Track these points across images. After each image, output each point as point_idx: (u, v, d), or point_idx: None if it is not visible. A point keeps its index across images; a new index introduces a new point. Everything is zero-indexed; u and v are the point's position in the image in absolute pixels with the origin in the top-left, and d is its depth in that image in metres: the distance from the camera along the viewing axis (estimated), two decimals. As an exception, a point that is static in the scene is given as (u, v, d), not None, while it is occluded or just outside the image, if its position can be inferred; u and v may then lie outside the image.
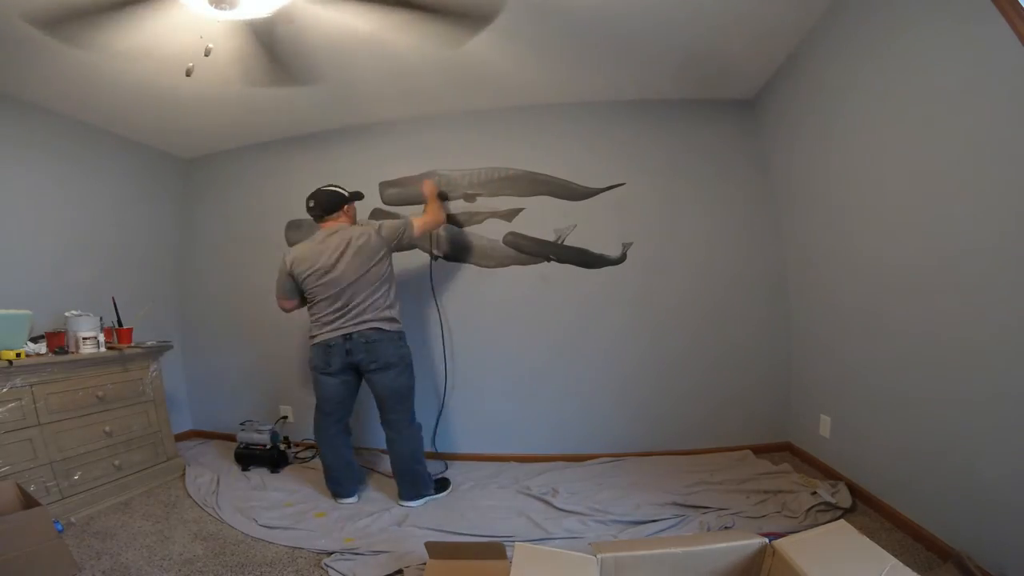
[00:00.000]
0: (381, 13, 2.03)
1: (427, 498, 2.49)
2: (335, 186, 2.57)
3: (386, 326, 2.43)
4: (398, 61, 2.50)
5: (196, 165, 3.78)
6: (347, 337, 2.38)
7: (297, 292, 2.54)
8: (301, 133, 3.43)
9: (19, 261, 2.72)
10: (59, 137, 2.92)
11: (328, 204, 2.51)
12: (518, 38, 2.35)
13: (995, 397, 1.57)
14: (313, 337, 2.47)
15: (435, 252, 3.20)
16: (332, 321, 2.41)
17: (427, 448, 3.17)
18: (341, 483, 2.53)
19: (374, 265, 2.42)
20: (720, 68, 2.70)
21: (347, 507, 2.46)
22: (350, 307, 2.39)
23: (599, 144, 3.09)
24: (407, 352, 2.52)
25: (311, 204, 2.51)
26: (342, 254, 2.38)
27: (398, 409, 2.48)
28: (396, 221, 2.55)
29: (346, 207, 2.57)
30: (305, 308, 2.59)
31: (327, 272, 2.39)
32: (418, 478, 2.48)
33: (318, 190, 2.53)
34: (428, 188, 2.89)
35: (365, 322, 2.39)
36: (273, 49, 2.21)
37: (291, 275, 2.48)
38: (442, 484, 2.62)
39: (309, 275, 2.42)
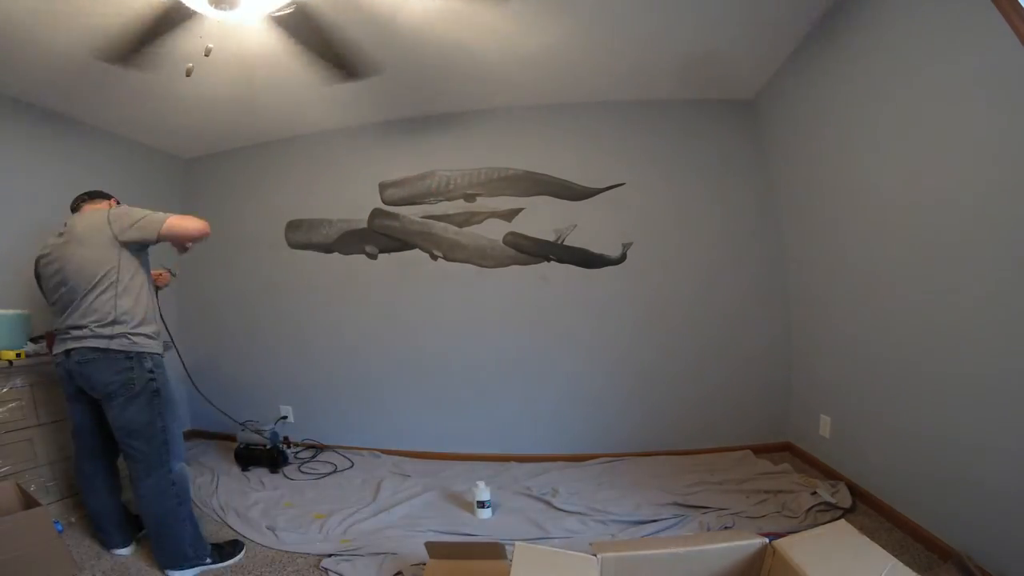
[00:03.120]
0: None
1: (198, 569, 1.93)
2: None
3: (105, 343, 1.82)
4: (402, 61, 2.50)
5: (196, 165, 3.78)
6: (67, 353, 1.86)
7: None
8: (301, 133, 3.43)
9: (19, 261, 2.71)
10: (59, 137, 2.92)
11: (94, 190, 2.15)
12: (518, 37, 2.35)
13: (995, 397, 1.57)
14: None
15: (435, 252, 3.20)
16: (60, 331, 1.90)
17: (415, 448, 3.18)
18: (107, 532, 2.05)
19: (107, 263, 1.85)
20: (720, 68, 2.70)
21: (120, 559, 2.02)
22: (68, 312, 1.87)
23: (599, 144, 3.09)
24: (142, 376, 1.87)
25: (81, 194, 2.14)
26: (67, 242, 1.88)
27: (134, 452, 1.88)
28: (144, 216, 1.92)
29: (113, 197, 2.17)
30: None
31: (48, 264, 1.91)
32: (177, 543, 1.89)
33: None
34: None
35: (82, 335, 1.83)
36: (317, 44, 2.19)
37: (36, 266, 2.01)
38: (229, 549, 2.04)
39: (38, 264, 1.98)
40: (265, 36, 2.10)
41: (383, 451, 3.24)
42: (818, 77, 2.38)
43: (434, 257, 3.21)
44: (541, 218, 3.10)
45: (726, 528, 2.04)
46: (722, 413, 2.99)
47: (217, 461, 3.15)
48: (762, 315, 2.97)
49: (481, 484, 2.32)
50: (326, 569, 1.90)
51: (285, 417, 3.46)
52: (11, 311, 2.33)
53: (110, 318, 1.83)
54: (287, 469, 3.02)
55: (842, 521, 1.53)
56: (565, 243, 3.08)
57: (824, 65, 2.31)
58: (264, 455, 3.00)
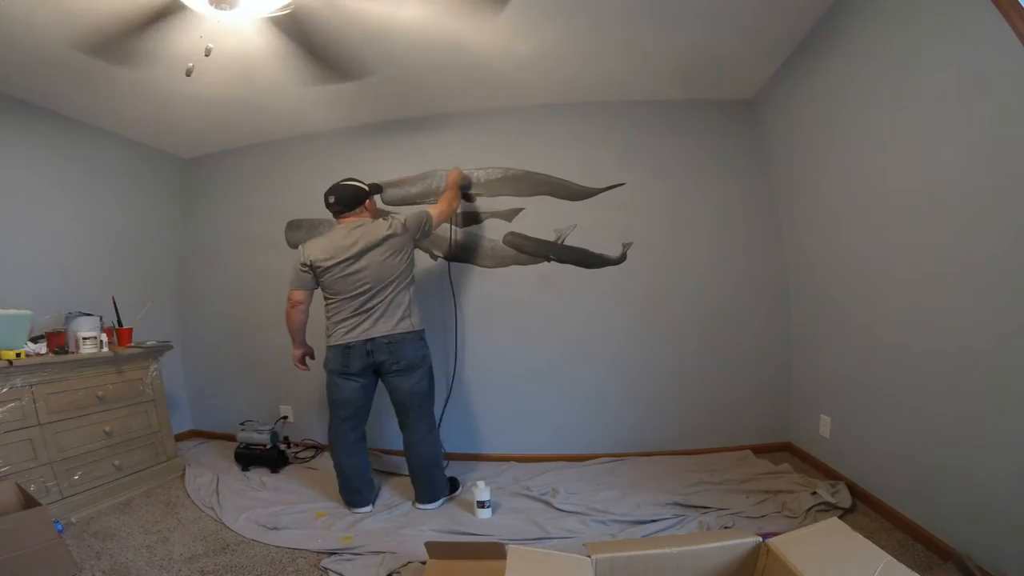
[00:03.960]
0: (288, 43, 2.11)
1: (443, 499, 2.45)
2: (354, 180, 2.49)
3: (409, 326, 2.35)
4: (397, 62, 2.50)
5: (196, 165, 3.78)
6: (369, 337, 2.29)
7: (313, 286, 2.42)
8: (301, 133, 3.43)
9: (19, 261, 2.73)
10: (59, 137, 2.92)
11: (350, 199, 2.42)
12: (519, 38, 2.35)
13: (995, 397, 1.56)
14: (330, 336, 2.37)
15: (435, 252, 3.20)
16: (353, 319, 2.31)
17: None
18: (359, 492, 2.42)
19: (400, 261, 2.36)
20: (720, 68, 2.69)
21: (362, 514, 2.37)
22: (374, 305, 2.31)
23: (599, 144, 3.09)
24: (428, 353, 2.45)
25: (331, 200, 2.42)
26: (368, 248, 2.30)
27: (419, 414, 2.41)
28: (416, 212, 2.47)
29: (367, 201, 2.48)
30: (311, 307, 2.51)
31: (350, 265, 2.29)
32: (436, 481, 2.43)
33: (337, 184, 2.45)
34: (452, 176, 2.87)
35: (389, 321, 2.31)
36: (313, 45, 2.21)
37: (310, 266, 2.34)
38: (453, 484, 2.56)
39: (331, 267, 2.31)
40: (265, 36, 2.10)
41: (383, 451, 3.24)
42: (818, 77, 2.37)
43: (434, 257, 3.20)
44: (541, 218, 3.10)
45: (726, 528, 2.04)
46: (722, 413, 2.99)
47: (217, 461, 3.15)
48: (762, 315, 2.97)
49: (481, 484, 2.32)
50: (326, 568, 1.90)
51: (285, 417, 3.46)
52: (11, 311, 2.33)
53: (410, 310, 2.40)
54: (287, 469, 3.02)
55: (835, 519, 1.52)
56: (565, 243, 3.08)
57: (824, 65, 2.31)
58: (264, 455, 3.00)
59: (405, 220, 2.41)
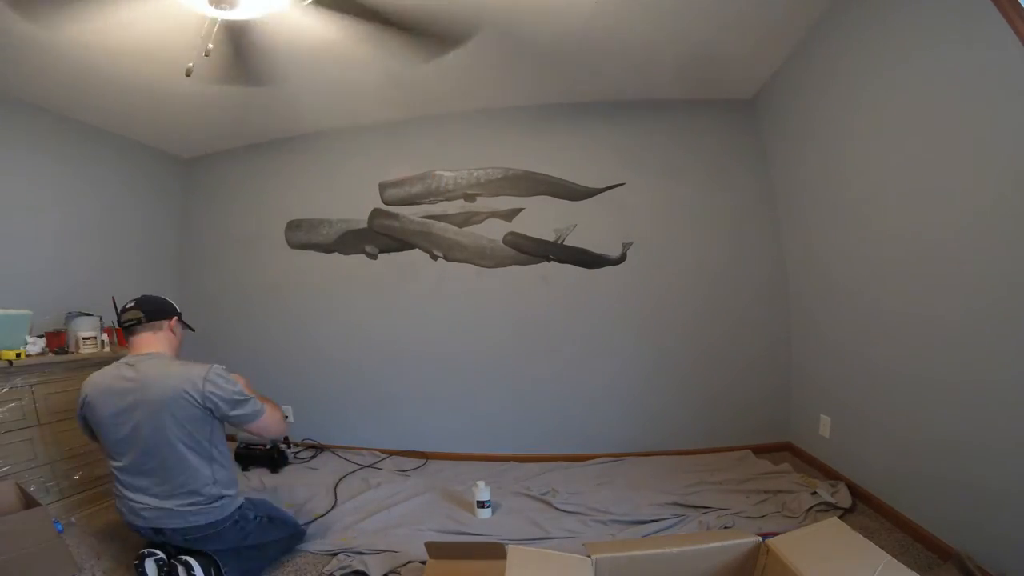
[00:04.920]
0: (358, 25, 2.03)
1: None
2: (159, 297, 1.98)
3: (210, 517, 1.75)
4: (397, 62, 2.50)
5: (196, 165, 3.78)
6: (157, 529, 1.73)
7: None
8: (301, 133, 3.43)
9: (19, 261, 2.72)
10: (59, 137, 2.92)
11: (151, 311, 1.88)
12: (513, 42, 2.35)
13: (995, 397, 1.56)
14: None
15: (435, 252, 3.20)
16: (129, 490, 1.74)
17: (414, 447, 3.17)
18: None
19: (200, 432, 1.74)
20: (719, 68, 2.70)
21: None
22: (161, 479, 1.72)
23: (599, 144, 3.09)
24: (236, 535, 1.81)
25: (129, 306, 1.87)
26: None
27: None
28: (245, 400, 1.82)
29: (171, 321, 1.94)
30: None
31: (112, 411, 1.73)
32: None
33: (143, 296, 1.93)
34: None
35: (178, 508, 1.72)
36: (241, 48, 2.15)
37: (81, 413, 1.81)
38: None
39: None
40: (266, 36, 2.10)
41: (383, 451, 3.24)
42: (817, 77, 2.38)
43: (434, 257, 3.21)
44: (541, 218, 3.10)
45: (726, 528, 2.04)
46: (722, 413, 2.99)
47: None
48: (762, 315, 2.97)
49: (481, 484, 2.32)
50: (326, 569, 1.90)
51: (285, 417, 3.45)
52: (11, 311, 2.33)
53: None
54: (287, 469, 3.02)
55: (835, 519, 1.52)
56: (565, 243, 3.08)
57: (823, 65, 2.31)
58: (264, 455, 3.00)
59: (220, 391, 1.75)
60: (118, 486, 1.76)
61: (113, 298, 2.96)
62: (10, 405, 2.19)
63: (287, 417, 2.01)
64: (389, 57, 2.40)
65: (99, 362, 2.57)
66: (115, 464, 1.76)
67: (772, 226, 2.96)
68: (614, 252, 3.05)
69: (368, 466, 3.01)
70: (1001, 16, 1.40)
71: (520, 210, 3.12)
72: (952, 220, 1.69)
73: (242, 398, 1.82)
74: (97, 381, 1.79)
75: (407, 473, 2.90)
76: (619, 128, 3.08)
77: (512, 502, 2.44)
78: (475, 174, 3.16)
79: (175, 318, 1.98)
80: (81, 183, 3.09)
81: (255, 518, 1.89)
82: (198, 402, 1.71)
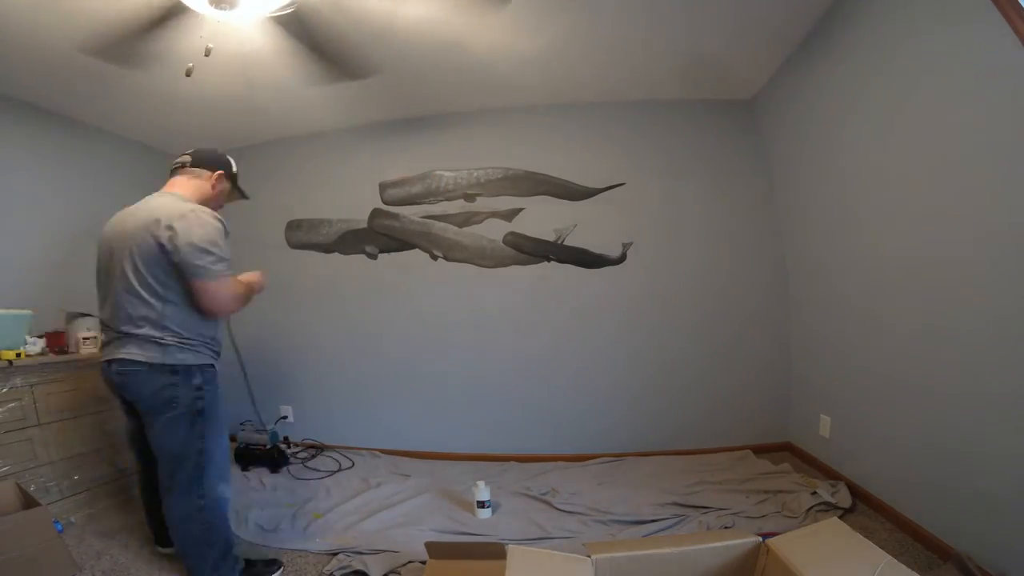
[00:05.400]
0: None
1: None
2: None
3: (148, 353, 1.61)
4: (397, 62, 2.50)
5: (196, 165, 3.77)
6: (109, 362, 1.67)
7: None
8: (301, 133, 3.43)
9: (19, 261, 2.72)
10: (59, 137, 2.92)
11: (200, 158, 1.85)
12: (514, 42, 2.35)
13: (995, 397, 1.56)
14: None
15: (435, 252, 3.20)
16: (104, 333, 1.71)
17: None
18: (159, 531, 1.92)
19: (151, 269, 1.60)
20: (719, 69, 2.70)
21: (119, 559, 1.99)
22: (114, 313, 1.65)
23: (599, 144, 3.09)
24: (189, 394, 1.67)
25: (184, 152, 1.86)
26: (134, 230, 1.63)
27: (169, 475, 1.69)
28: (208, 255, 1.66)
29: (215, 174, 1.86)
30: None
31: (106, 250, 1.69)
32: (205, 566, 1.71)
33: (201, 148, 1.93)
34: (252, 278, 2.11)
35: (124, 340, 1.62)
36: (318, 44, 2.17)
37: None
38: (267, 567, 1.89)
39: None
40: (266, 36, 2.10)
41: (383, 451, 3.24)
42: (817, 78, 2.37)
43: (434, 257, 3.21)
44: (541, 218, 3.10)
45: (726, 528, 2.04)
46: (722, 413, 2.99)
47: (217, 461, 3.14)
48: (762, 315, 2.97)
49: (481, 484, 2.32)
50: (326, 569, 1.90)
51: (285, 417, 3.46)
52: (11, 311, 2.33)
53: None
54: (287, 469, 3.02)
55: (835, 519, 1.52)
56: (565, 243, 3.08)
57: (823, 66, 2.31)
58: (264, 455, 3.00)
59: (177, 237, 1.59)
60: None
61: (113, 298, 2.96)
62: (10, 405, 2.18)
63: (246, 299, 1.89)
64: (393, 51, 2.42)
65: (99, 362, 2.57)
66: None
67: (772, 226, 2.96)
68: (614, 252, 3.05)
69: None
70: (1001, 16, 1.40)
71: (520, 210, 3.12)
72: (952, 220, 1.69)
73: (207, 249, 1.62)
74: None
75: (407, 474, 2.90)
76: (619, 128, 3.08)
77: (512, 502, 2.44)
78: (475, 174, 3.16)
79: (220, 172, 1.86)
80: (81, 183, 3.08)
81: (197, 389, 1.68)
82: (155, 235, 1.57)
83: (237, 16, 1.72)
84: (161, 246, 1.58)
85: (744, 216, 3.00)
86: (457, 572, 1.60)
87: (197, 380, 1.70)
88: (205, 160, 1.83)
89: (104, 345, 1.72)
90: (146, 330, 1.61)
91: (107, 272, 1.68)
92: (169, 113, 3.00)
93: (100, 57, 2.14)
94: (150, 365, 1.61)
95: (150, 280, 1.60)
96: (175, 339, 1.64)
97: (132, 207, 1.76)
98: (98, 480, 2.50)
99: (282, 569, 1.92)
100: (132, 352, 1.61)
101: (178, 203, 1.70)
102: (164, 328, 1.62)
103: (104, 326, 1.72)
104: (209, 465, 1.72)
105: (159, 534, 1.95)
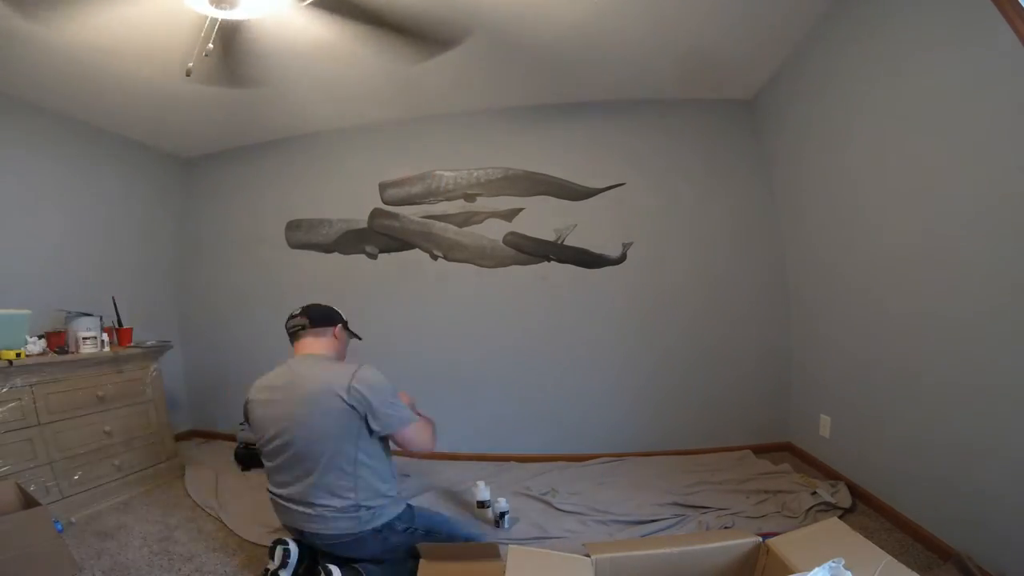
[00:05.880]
0: (353, 26, 2.03)
1: None
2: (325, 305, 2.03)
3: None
4: (396, 62, 2.50)
5: (195, 165, 3.78)
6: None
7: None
8: (301, 133, 3.43)
9: (19, 261, 2.72)
10: (59, 137, 2.92)
11: (318, 316, 1.96)
12: (513, 42, 2.35)
13: (995, 397, 1.56)
14: None
15: (435, 252, 3.20)
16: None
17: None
18: None
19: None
20: (719, 69, 2.70)
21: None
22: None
23: (599, 144, 3.09)
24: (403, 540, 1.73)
25: (296, 313, 1.97)
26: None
27: None
28: (388, 390, 1.78)
29: (336, 328, 1.99)
30: None
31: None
32: None
33: (309, 305, 2.01)
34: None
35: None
36: (231, 48, 2.13)
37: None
38: None
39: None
40: (266, 36, 2.10)
41: (383, 451, 3.24)
42: (817, 78, 2.37)
43: (434, 257, 3.21)
44: (541, 218, 3.10)
45: (726, 528, 2.04)
46: (722, 413, 2.99)
47: (217, 461, 3.15)
48: (762, 315, 2.97)
49: (481, 484, 2.32)
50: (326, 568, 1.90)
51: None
52: (11, 311, 2.33)
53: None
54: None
55: (835, 519, 1.52)
56: (565, 243, 3.08)
57: (823, 66, 2.31)
58: (264, 455, 2.99)
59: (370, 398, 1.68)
60: (270, 486, 1.78)
61: (113, 298, 2.97)
62: (10, 405, 2.19)
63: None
64: (382, 56, 2.39)
65: (99, 362, 2.58)
66: (268, 464, 1.77)
67: (772, 226, 2.95)
68: (614, 252, 3.05)
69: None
70: (1001, 16, 1.39)
71: (520, 210, 3.12)
72: (952, 221, 1.69)
73: (392, 399, 1.76)
74: (259, 381, 1.86)
75: (406, 474, 2.89)
76: (619, 128, 3.08)
77: (512, 502, 2.43)
78: (475, 174, 3.16)
79: (339, 325, 1.99)
80: (81, 183, 3.09)
81: (405, 530, 1.74)
82: (343, 397, 1.63)
83: (237, 15, 1.72)
84: (353, 408, 1.65)
85: (744, 216, 2.99)
86: (451, 573, 1.59)
87: (383, 531, 1.72)
88: (322, 318, 1.97)
89: (276, 497, 1.76)
90: (339, 499, 1.66)
91: (279, 432, 1.72)
92: (169, 113, 3.00)
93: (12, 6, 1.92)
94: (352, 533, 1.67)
95: (348, 446, 1.66)
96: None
97: (278, 371, 1.89)
98: (98, 480, 2.50)
99: None
100: (333, 527, 1.66)
101: (334, 364, 1.87)
102: (354, 493, 1.67)
103: (278, 483, 1.76)
104: None
105: None
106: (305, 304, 1.99)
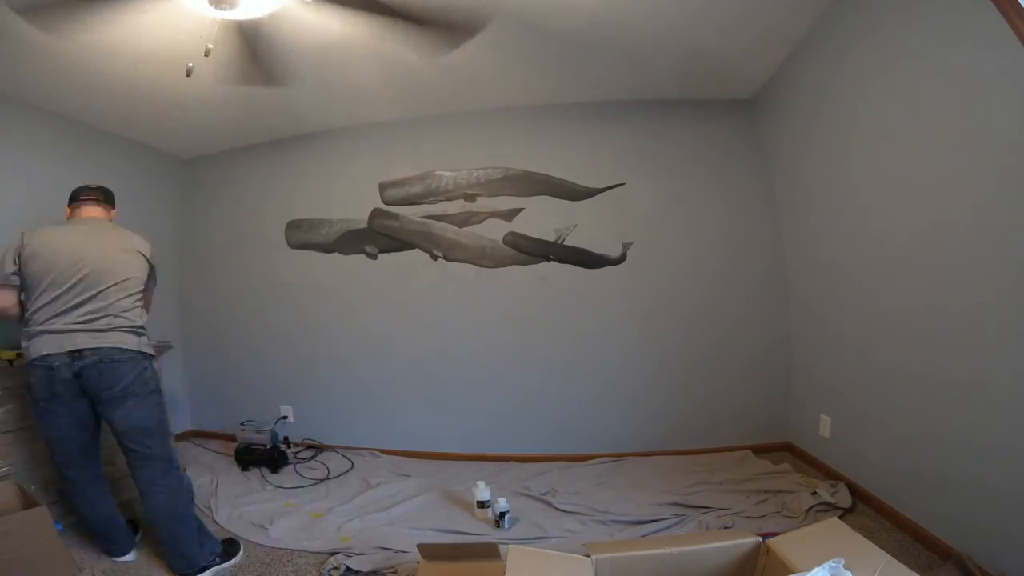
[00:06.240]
0: (368, 19, 2.01)
1: (212, 570, 1.89)
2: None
3: (133, 343, 1.88)
4: (396, 62, 2.50)
5: (196, 165, 3.78)
6: (75, 353, 1.78)
7: (17, 282, 1.83)
8: (301, 133, 3.43)
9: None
10: (59, 138, 2.92)
11: (108, 195, 2.22)
12: (513, 42, 2.35)
13: (995, 397, 1.56)
14: (27, 350, 1.82)
15: (435, 252, 3.20)
16: (56, 327, 1.79)
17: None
18: (110, 539, 1.99)
19: (131, 260, 1.98)
20: (719, 69, 2.70)
21: (125, 562, 1.99)
22: (84, 307, 1.81)
23: (599, 144, 3.09)
24: (153, 377, 1.96)
25: (88, 186, 2.15)
26: (99, 238, 1.95)
27: (144, 455, 1.89)
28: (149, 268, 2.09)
29: (113, 209, 2.22)
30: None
31: (70, 254, 1.83)
32: (182, 545, 1.87)
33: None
34: None
35: (102, 333, 1.82)
36: (257, 49, 2.14)
37: (18, 254, 1.82)
38: (228, 548, 2.02)
39: (39, 255, 1.82)
40: (267, 36, 2.09)
41: (383, 451, 3.24)
42: (816, 78, 2.37)
43: (434, 257, 3.21)
44: (541, 218, 3.10)
45: (726, 528, 2.03)
46: (722, 413, 2.99)
47: (217, 461, 3.15)
48: (762, 315, 2.97)
49: (481, 484, 2.32)
50: (324, 567, 1.90)
51: (285, 417, 3.46)
52: (11, 311, 2.32)
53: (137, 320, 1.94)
54: (287, 469, 3.02)
55: (835, 519, 1.52)
56: (565, 243, 3.08)
57: (822, 66, 2.31)
58: (264, 455, 3.00)
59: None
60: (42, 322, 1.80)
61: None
62: (10, 405, 2.18)
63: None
64: (394, 51, 2.38)
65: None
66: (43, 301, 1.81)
67: (772, 226, 2.95)
68: (614, 252, 3.05)
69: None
70: (1001, 16, 1.39)
71: (520, 210, 3.12)
72: (952, 220, 1.69)
73: None
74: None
75: (406, 474, 2.90)
76: (619, 128, 3.08)
77: (512, 502, 2.43)
78: (475, 174, 3.16)
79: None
80: (81, 183, 3.08)
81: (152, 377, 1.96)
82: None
83: (237, 15, 1.72)
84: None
85: (744, 216, 2.99)
86: (451, 573, 1.59)
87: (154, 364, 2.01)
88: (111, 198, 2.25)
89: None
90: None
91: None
92: (169, 113, 3.00)
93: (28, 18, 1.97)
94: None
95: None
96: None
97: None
98: (98, 480, 2.49)
99: (242, 550, 2.04)
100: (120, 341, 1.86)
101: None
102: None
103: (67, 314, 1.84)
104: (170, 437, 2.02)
105: (117, 542, 2.01)
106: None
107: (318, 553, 2.02)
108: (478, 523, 2.25)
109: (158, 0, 1.84)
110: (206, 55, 1.88)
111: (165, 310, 3.63)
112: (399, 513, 2.37)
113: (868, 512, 2.12)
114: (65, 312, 1.80)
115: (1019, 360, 1.47)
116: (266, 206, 3.55)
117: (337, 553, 1.99)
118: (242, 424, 3.10)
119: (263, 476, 2.89)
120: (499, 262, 3.14)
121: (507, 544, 1.55)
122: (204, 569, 1.88)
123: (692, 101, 3.04)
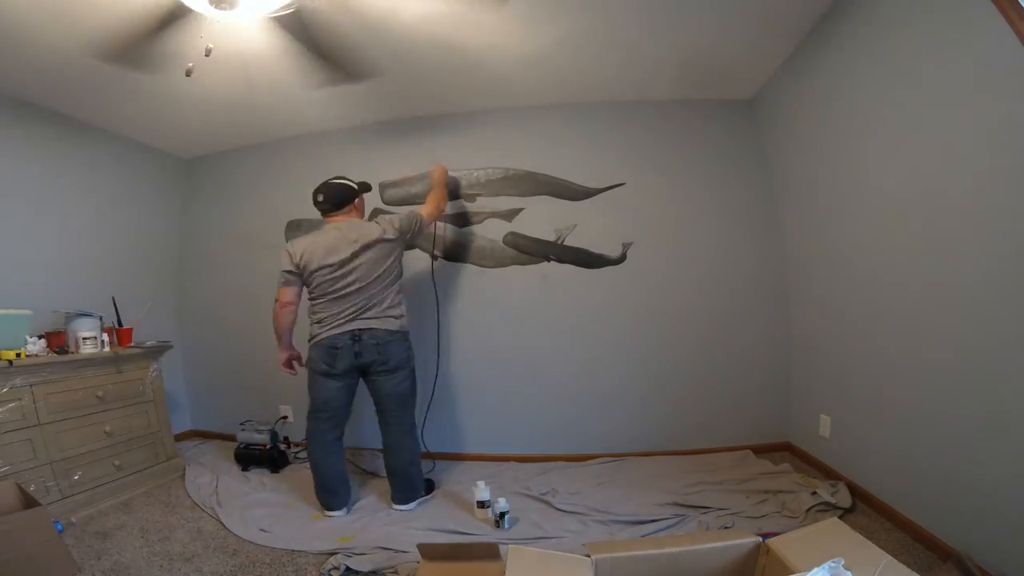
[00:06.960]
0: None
1: (419, 501, 2.46)
2: (343, 178, 2.50)
3: (397, 326, 2.38)
4: (400, 62, 2.50)
5: (196, 165, 3.78)
6: (356, 337, 2.30)
7: (300, 286, 2.42)
8: (301, 133, 3.43)
9: (19, 261, 2.72)
10: (59, 137, 2.92)
11: (338, 198, 2.43)
12: (520, 38, 2.35)
13: (995, 397, 1.56)
14: (315, 336, 2.37)
15: (435, 252, 3.20)
16: (340, 320, 2.32)
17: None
18: (336, 494, 2.40)
19: (392, 263, 2.40)
20: (719, 69, 2.70)
21: (336, 517, 2.36)
22: (362, 305, 2.32)
23: (599, 144, 3.09)
24: (413, 355, 2.49)
25: (320, 198, 2.42)
26: (359, 250, 2.31)
27: (399, 414, 2.43)
28: (407, 213, 2.52)
29: (356, 200, 2.50)
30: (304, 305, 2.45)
31: (341, 268, 2.30)
32: (413, 482, 2.45)
33: (326, 183, 2.46)
34: (437, 173, 2.82)
35: (376, 320, 2.33)
36: (319, 45, 2.19)
37: (298, 267, 2.35)
38: (429, 485, 2.60)
39: (320, 269, 2.31)
40: (266, 36, 2.10)
41: (382, 451, 3.23)
42: (816, 77, 2.37)
43: (434, 257, 3.20)
44: (541, 218, 3.10)
45: (726, 528, 2.04)
46: (722, 413, 2.99)
47: (217, 461, 3.15)
48: (762, 315, 2.97)
49: (481, 484, 2.32)
50: (323, 568, 1.90)
51: (285, 417, 3.46)
52: (11, 311, 2.33)
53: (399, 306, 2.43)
54: (287, 469, 3.02)
55: (835, 519, 1.52)
56: (565, 243, 3.08)
57: (823, 65, 2.31)
58: (264, 455, 3.00)
59: (397, 223, 2.43)
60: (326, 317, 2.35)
61: (113, 298, 2.97)
62: (10, 405, 2.19)
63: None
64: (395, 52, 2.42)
65: (99, 362, 2.58)
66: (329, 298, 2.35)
67: (772, 226, 2.95)
68: (614, 252, 3.05)
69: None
70: (1001, 16, 1.39)
71: (520, 210, 3.12)
72: (953, 220, 1.69)
73: None
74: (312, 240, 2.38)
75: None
76: (619, 128, 3.08)
77: (512, 502, 2.43)
78: (475, 174, 3.16)
79: (357, 199, 2.53)
80: (81, 183, 3.09)
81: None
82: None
83: (237, 16, 1.72)
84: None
85: (744, 216, 2.99)
86: (450, 573, 1.59)
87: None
88: (347, 197, 2.51)
89: (339, 326, 2.33)
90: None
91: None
92: (169, 113, 3.00)
93: (115, 62, 2.16)
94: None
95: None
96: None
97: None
98: (98, 480, 2.50)
99: (435, 491, 2.62)
100: (391, 325, 2.38)
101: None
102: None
103: (344, 313, 2.34)
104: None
105: (340, 496, 2.41)
106: (322, 184, 2.49)
107: (317, 553, 2.02)
108: (478, 523, 2.25)
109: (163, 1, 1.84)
110: (206, 55, 1.89)
111: (165, 310, 3.64)
112: (399, 513, 2.37)
113: (868, 512, 2.12)
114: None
115: (1020, 360, 1.47)
116: (266, 206, 3.55)
117: (337, 553, 1.99)
118: (242, 424, 3.10)
119: (263, 476, 2.89)
120: (499, 262, 3.14)
121: (507, 544, 1.55)
122: (415, 500, 2.45)
123: (692, 101, 3.04)
